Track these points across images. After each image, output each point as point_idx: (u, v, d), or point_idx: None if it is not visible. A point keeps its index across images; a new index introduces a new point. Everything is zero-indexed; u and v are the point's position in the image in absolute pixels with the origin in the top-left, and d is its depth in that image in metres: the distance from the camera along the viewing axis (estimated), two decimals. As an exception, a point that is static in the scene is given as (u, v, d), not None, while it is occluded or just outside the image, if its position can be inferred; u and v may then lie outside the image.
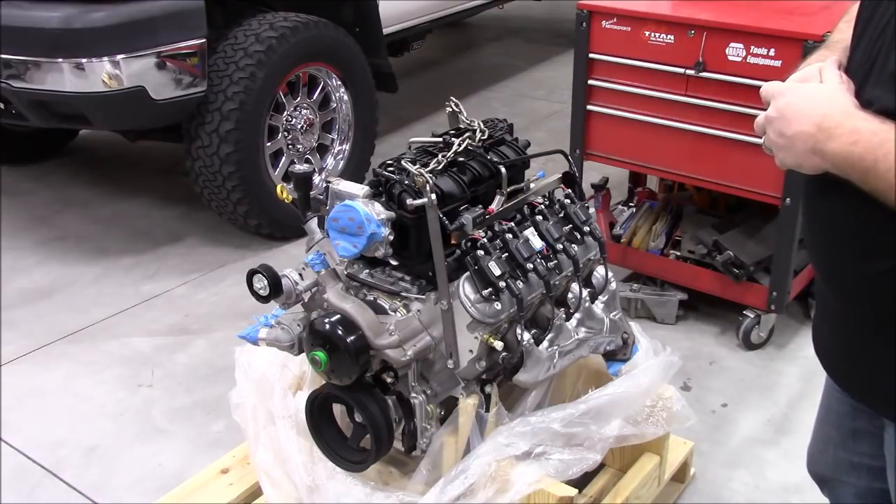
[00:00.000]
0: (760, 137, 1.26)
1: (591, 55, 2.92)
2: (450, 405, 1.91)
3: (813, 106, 1.16)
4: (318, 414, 1.93)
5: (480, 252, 1.75)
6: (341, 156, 3.91)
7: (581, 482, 2.03)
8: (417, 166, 1.78)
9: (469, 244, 1.77)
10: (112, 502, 2.38)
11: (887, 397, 1.25)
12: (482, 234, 1.80)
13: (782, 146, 1.19)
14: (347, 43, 3.82)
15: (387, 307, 1.84)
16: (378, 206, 1.78)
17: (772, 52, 2.54)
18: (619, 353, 2.07)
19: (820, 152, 1.13)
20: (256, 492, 2.09)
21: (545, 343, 1.88)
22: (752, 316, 2.93)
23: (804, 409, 2.66)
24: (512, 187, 1.93)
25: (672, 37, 2.72)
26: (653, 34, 2.75)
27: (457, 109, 2.02)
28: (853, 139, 1.09)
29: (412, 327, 1.81)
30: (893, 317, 1.19)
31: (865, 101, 1.15)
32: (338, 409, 1.97)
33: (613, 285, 2.06)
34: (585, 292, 1.96)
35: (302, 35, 3.56)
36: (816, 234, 1.30)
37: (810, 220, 1.32)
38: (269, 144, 3.57)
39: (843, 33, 1.32)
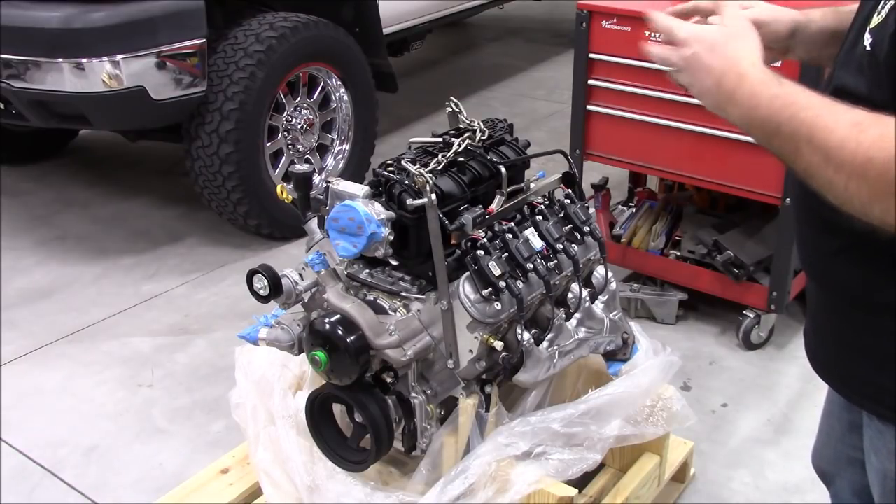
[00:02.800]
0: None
1: (591, 55, 2.92)
2: (450, 405, 1.90)
3: (710, 62, 1.12)
4: (318, 414, 1.93)
5: (480, 252, 1.75)
6: (341, 156, 3.91)
7: (581, 482, 2.02)
8: (417, 166, 1.78)
9: (469, 244, 1.77)
10: (112, 502, 2.38)
11: (851, 381, 1.24)
12: (482, 234, 1.79)
13: (696, 95, 1.17)
14: (347, 43, 3.82)
15: (387, 307, 1.84)
16: (378, 206, 1.78)
17: (772, 52, 2.54)
18: (619, 353, 2.07)
19: (724, 113, 1.11)
20: (256, 492, 2.09)
21: (545, 343, 1.87)
22: (752, 316, 2.93)
23: (804, 409, 2.67)
24: (512, 187, 1.92)
25: (672, 37, 2.72)
26: (653, 34, 2.74)
27: (457, 109, 2.01)
28: (753, 104, 1.07)
29: (412, 327, 1.81)
30: (851, 298, 1.17)
31: (835, 76, 1.15)
32: (338, 409, 1.97)
33: (613, 285, 2.06)
34: (585, 292, 1.96)
35: (302, 35, 3.56)
36: (796, 215, 1.30)
37: (793, 203, 1.31)
38: (269, 144, 3.57)
39: (821, 11, 1.32)
